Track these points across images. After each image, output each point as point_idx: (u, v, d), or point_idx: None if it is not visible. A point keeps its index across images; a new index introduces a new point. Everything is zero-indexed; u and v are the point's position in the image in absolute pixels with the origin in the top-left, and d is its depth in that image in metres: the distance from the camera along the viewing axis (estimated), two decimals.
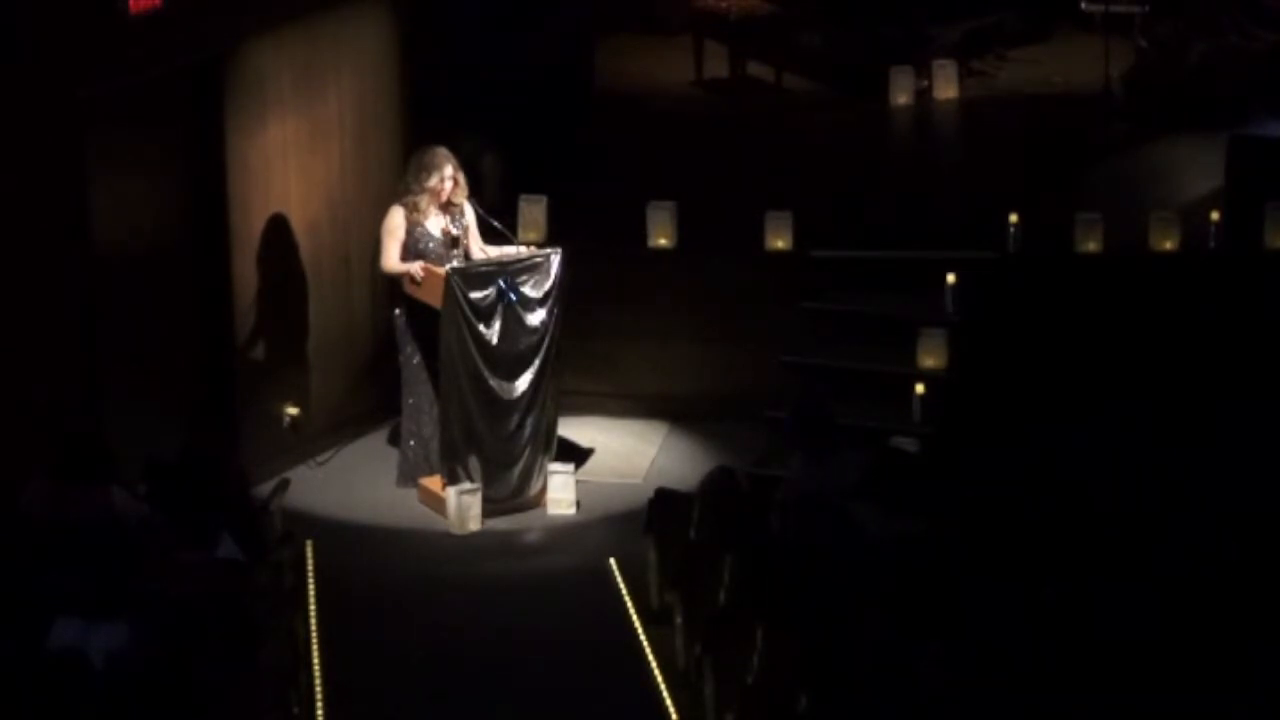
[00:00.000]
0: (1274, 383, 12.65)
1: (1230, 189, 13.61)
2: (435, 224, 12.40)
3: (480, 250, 12.49)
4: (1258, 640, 9.38)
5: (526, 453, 12.34)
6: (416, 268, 12.25)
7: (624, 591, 11.44)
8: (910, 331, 12.96)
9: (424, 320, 12.37)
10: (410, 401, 12.57)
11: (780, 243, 13.45)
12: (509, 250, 12.46)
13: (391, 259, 12.37)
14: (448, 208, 12.42)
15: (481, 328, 12.13)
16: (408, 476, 12.66)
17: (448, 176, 12.32)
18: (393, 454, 12.86)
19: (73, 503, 9.96)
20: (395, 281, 12.49)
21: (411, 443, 12.63)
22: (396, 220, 12.36)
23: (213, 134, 12.25)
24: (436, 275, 12.17)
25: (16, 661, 9.08)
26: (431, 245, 12.36)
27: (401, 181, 12.49)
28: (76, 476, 10.06)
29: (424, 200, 12.33)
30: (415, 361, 12.51)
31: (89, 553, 9.68)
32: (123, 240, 11.78)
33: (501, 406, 12.24)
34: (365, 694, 10.51)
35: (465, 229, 12.47)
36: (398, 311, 12.50)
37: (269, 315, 12.71)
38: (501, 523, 12.31)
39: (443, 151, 12.38)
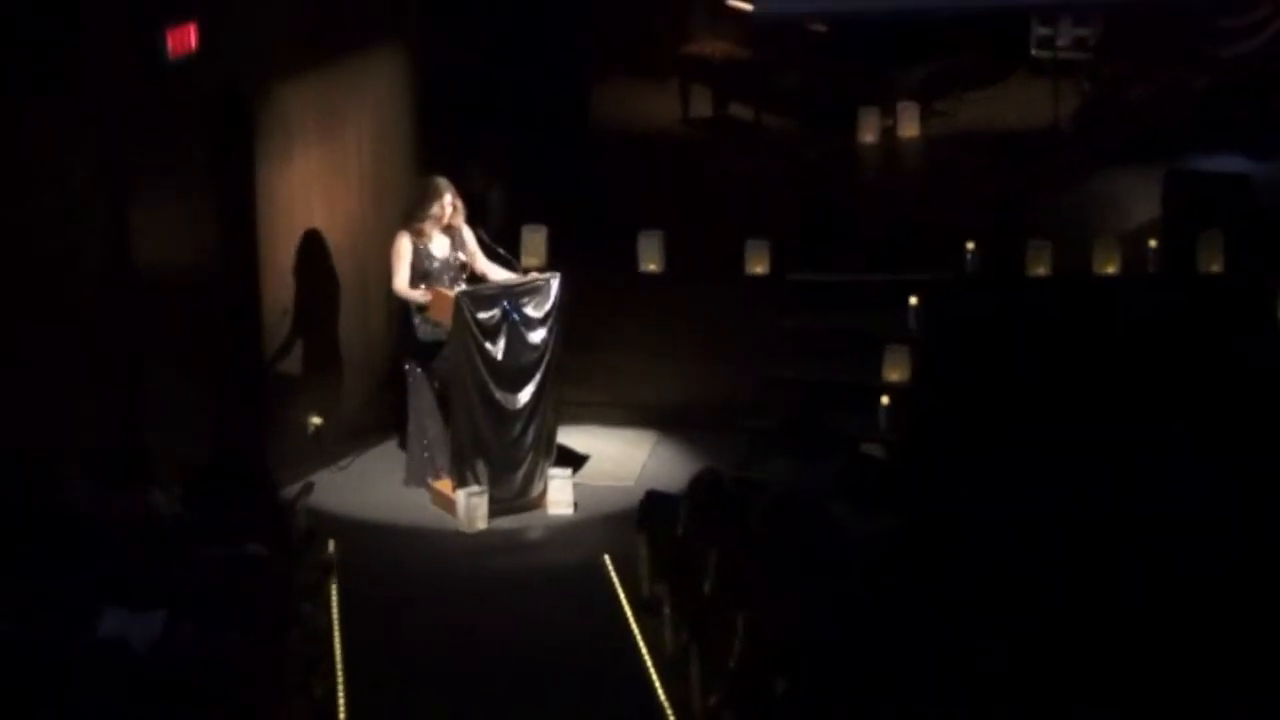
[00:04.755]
0: (1209, 394, 12.83)
1: (1167, 218, 14.00)
2: (438, 246, 12.62)
3: (486, 266, 12.66)
4: (1229, 645, 9.25)
5: (529, 458, 12.54)
6: (421, 295, 12.49)
7: (617, 584, 11.62)
8: (877, 347, 13.21)
9: (423, 335, 12.58)
10: (415, 408, 12.76)
11: (759, 267, 13.77)
12: (512, 275, 12.66)
13: (401, 282, 12.59)
14: (449, 230, 12.61)
15: (488, 345, 12.37)
16: (414, 476, 12.83)
17: (448, 203, 12.51)
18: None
19: (114, 502, 10.22)
20: (405, 300, 12.65)
21: (415, 446, 12.82)
22: (404, 245, 12.56)
23: (244, 168, 12.43)
24: (444, 296, 12.36)
25: (60, 647, 9.03)
26: (436, 265, 12.59)
27: (409, 210, 12.62)
28: (118, 479, 10.37)
29: (427, 225, 12.51)
30: (418, 372, 12.71)
31: (127, 548, 9.86)
32: (162, 265, 11.94)
33: (506, 416, 12.45)
34: (382, 677, 10.64)
35: (470, 252, 12.67)
36: (405, 326, 12.74)
37: (295, 333, 12.89)
38: (506, 522, 12.51)
39: (443, 181, 12.57)
